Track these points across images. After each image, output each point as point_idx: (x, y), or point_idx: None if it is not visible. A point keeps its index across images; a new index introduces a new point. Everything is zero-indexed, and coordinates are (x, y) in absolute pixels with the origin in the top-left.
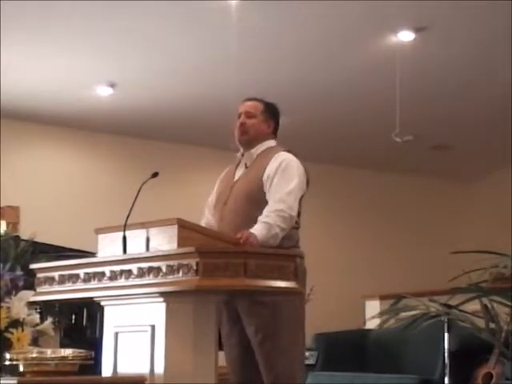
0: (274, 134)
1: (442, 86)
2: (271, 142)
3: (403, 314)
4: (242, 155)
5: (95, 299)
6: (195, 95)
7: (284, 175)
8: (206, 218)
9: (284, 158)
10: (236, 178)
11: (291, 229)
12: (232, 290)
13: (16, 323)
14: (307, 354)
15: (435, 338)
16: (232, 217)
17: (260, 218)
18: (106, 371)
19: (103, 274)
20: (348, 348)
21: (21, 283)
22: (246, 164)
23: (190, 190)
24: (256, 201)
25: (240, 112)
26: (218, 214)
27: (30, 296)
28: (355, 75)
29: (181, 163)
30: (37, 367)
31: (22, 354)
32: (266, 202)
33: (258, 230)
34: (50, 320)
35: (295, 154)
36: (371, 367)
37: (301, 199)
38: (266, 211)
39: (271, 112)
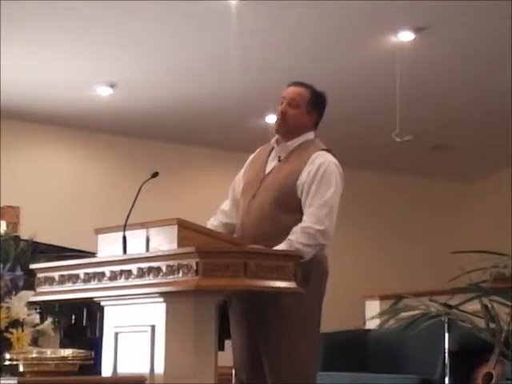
0: (315, 126)
1: (442, 86)
2: (309, 135)
3: (403, 314)
4: (277, 142)
5: (95, 299)
6: (195, 95)
7: (321, 184)
8: (226, 204)
9: (322, 161)
10: (268, 170)
11: None
12: (232, 289)
13: (16, 323)
14: None
15: (435, 338)
16: (258, 214)
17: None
18: (106, 371)
19: (103, 274)
20: (348, 348)
21: (21, 283)
22: (279, 157)
23: (189, 190)
24: (285, 202)
25: (283, 97)
26: (244, 207)
27: (29, 296)
28: (355, 75)
29: (181, 163)
30: (37, 367)
31: (22, 353)
32: (295, 204)
33: (278, 247)
34: (49, 320)
35: (333, 154)
36: (371, 367)
37: None
38: (296, 227)
39: (317, 103)
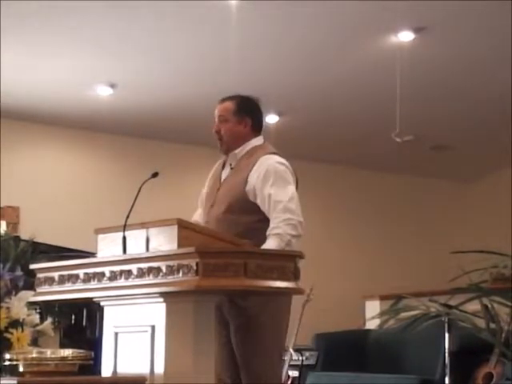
0: (254, 129)
1: (442, 86)
2: (256, 140)
3: (403, 315)
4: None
5: (95, 299)
6: (195, 95)
7: (278, 183)
8: (197, 215)
9: (268, 163)
10: (222, 178)
11: None
12: (232, 290)
13: (16, 323)
14: (307, 354)
15: (435, 338)
16: (215, 222)
17: (269, 231)
18: (106, 371)
19: (103, 274)
20: (348, 348)
21: (21, 283)
22: (231, 164)
23: (189, 190)
24: (238, 207)
25: (214, 117)
26: (204, 215)
27: (29, 296)
28: (355, 75)
29: (181, 163)
30: (37, 367)
31: (22, 354)
32: (250, 206)
33: (269, 244)
34: (49, 320)
35: (281, 155)
36: (371, 367)
37: None
38: (273, 223)
39: (245, 109)
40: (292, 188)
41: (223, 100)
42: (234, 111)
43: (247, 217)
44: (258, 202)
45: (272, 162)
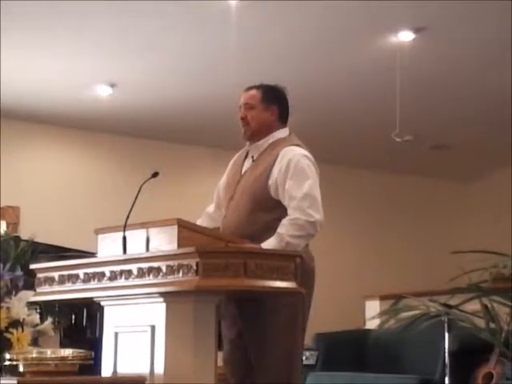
0: (281, 119)
1: (442, 86)
2: (281, 132)
3: (403, 314)
4: (250, 145)
5: (95, 299)
6: (195, 95)
7: (296, 178)
8: (211, 208)
9: (290, 156)
10: (243, 170)
11: None
12: (232, 290)
13: (16, 323)
14: (307, 353)
15: (435, 338)
16: (235, 216)
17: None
18: (106, 371)
19: (103, 274)
20: (348, 348)
21: (21, 283)
22: (252, 157)
23: (189, 190)
24: (260, 202)
25: (240, 104)
26: (223, 209)
27: (30, 296)
28: (355, 75)
29: (181, 163)
30: (37, 367)
31: (22, 354)
32: (271, 203)
33: (268, 242)
34: (49, 320)
35: (304, 147)
36: (371, 367)
37: None
38: (283, 221)
39: (272, 97)
40: (310, 183)
41: (249, 88)
42: (260, 99)
43: (266, 215)
44: (280, 196)
45: (294, 154)
